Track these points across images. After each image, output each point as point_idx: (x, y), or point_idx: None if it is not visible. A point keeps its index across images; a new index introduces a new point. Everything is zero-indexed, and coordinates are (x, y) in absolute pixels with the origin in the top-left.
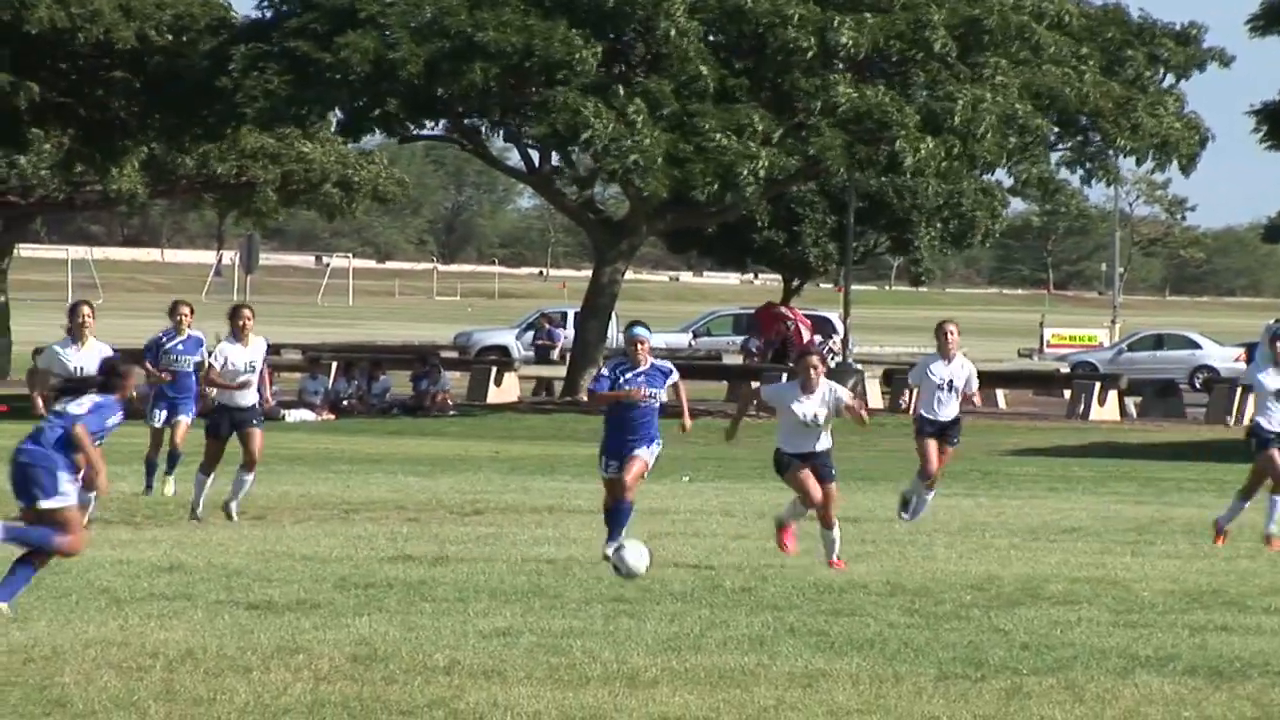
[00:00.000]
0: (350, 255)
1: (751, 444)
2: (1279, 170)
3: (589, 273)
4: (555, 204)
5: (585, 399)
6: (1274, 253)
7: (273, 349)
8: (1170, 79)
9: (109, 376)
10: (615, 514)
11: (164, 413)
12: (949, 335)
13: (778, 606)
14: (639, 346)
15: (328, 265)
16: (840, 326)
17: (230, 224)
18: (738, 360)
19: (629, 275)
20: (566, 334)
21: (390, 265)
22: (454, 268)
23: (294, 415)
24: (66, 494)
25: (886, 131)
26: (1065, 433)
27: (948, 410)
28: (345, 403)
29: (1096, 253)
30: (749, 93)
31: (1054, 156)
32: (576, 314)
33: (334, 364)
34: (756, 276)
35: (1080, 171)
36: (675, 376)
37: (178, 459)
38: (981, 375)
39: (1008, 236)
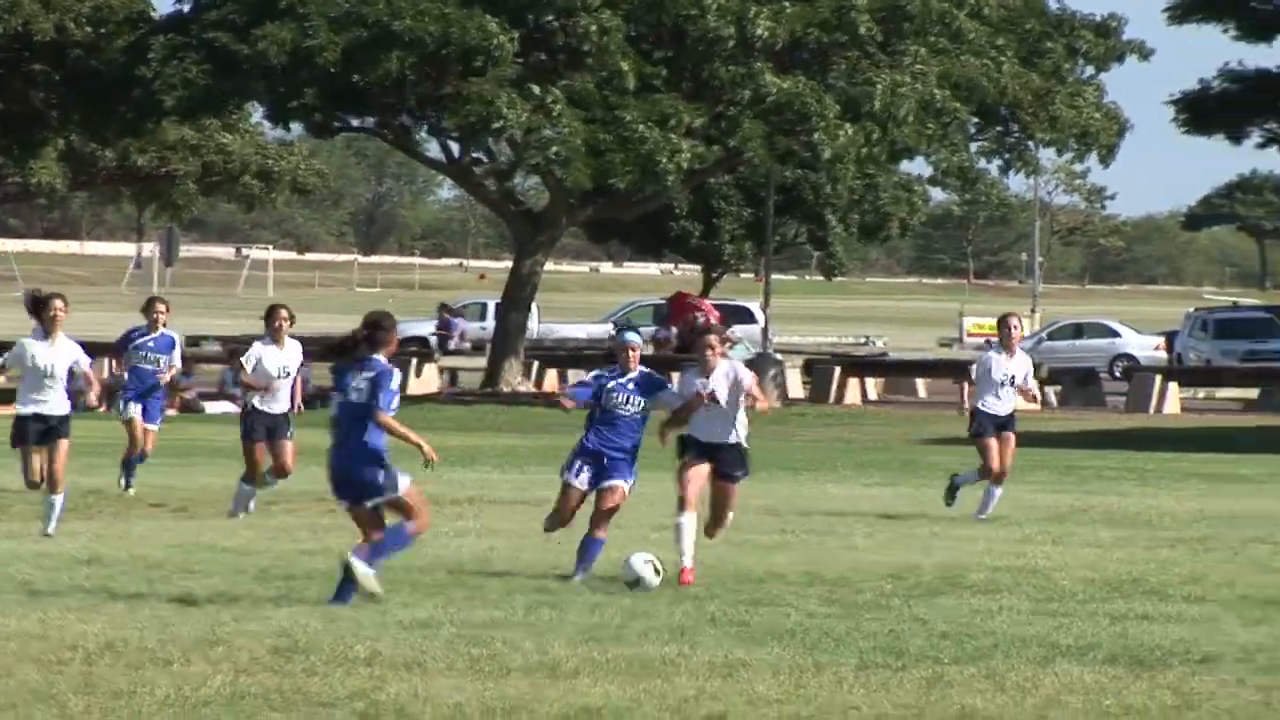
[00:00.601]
0: (270, 247)
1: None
2: (1198, 158)
3: (509, 264)
4: (475, 195)
5: (504, 390)
6: (1194, 241)
7: (192, 341)
8: (1090, 70)
9: (374, 331)
10: (588, 547)
11: (137, 405)
12: (1013, 329)
13: (698, 597)
14: (630, 353)
15: (247, 257)
16: (760, 316)
17: (150, 216)
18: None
19: (549, 266)
20: (466, 324)
21: (310, 257)
22: (374, 259)
23: (214, 407)
24: (394, 484)
25: (806, 122)
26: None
27: (1007, 405)
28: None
29: (1017, 242)
30: (669, 84)
31: (973, 147)
32: (497, 305)
33: None
34: (676, 267)
35: (999, 162)
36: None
37: (141, 461)
38: (901, 364)
39: (928, 226)
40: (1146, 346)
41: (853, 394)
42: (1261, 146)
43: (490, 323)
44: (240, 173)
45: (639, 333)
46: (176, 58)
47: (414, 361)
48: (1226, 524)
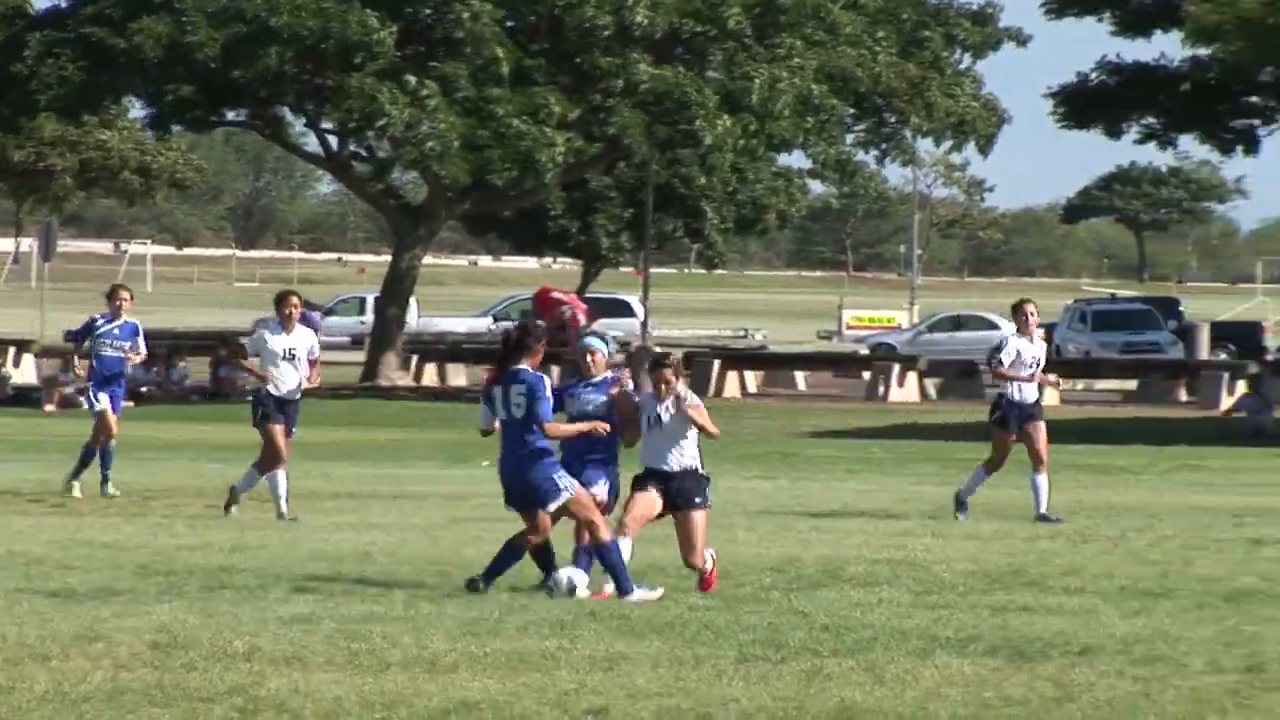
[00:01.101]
0: (149, 241)
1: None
2: (1077, 151)
3: (388, 257)
4: (354, 190)
5: (383, 385)
6: (1072, 233)
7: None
8: (968, 59)
9: (524, 338)
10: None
11: (106, 395)
12: (1029, 315)
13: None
14: (591, 358)
15: (126, 252)
16: (639, 310)
17: (27, 211)
18: None
19: (428, 260)
20: (319, 320)
21: (189, 251)
22: (253, 254)
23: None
24: (565, 488)
25: (686, 111)
26: (865, 414)
27: (1032, 392)
28: (145, 390)
29: (895, 235)
30: (546, 74)
31: (850, 138)
32: (376, 299)
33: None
34: (555, 261)
35: (876, 152)
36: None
37: (111, 457)
38: (781, 357)
39: (807, 219)
40: None
41: (732, 387)
42: (1140, 142)
43: (369, 317)
44: (119, 168)
45: (604, 339)
46: (53, 54)
47: None
48: (1105, 516)
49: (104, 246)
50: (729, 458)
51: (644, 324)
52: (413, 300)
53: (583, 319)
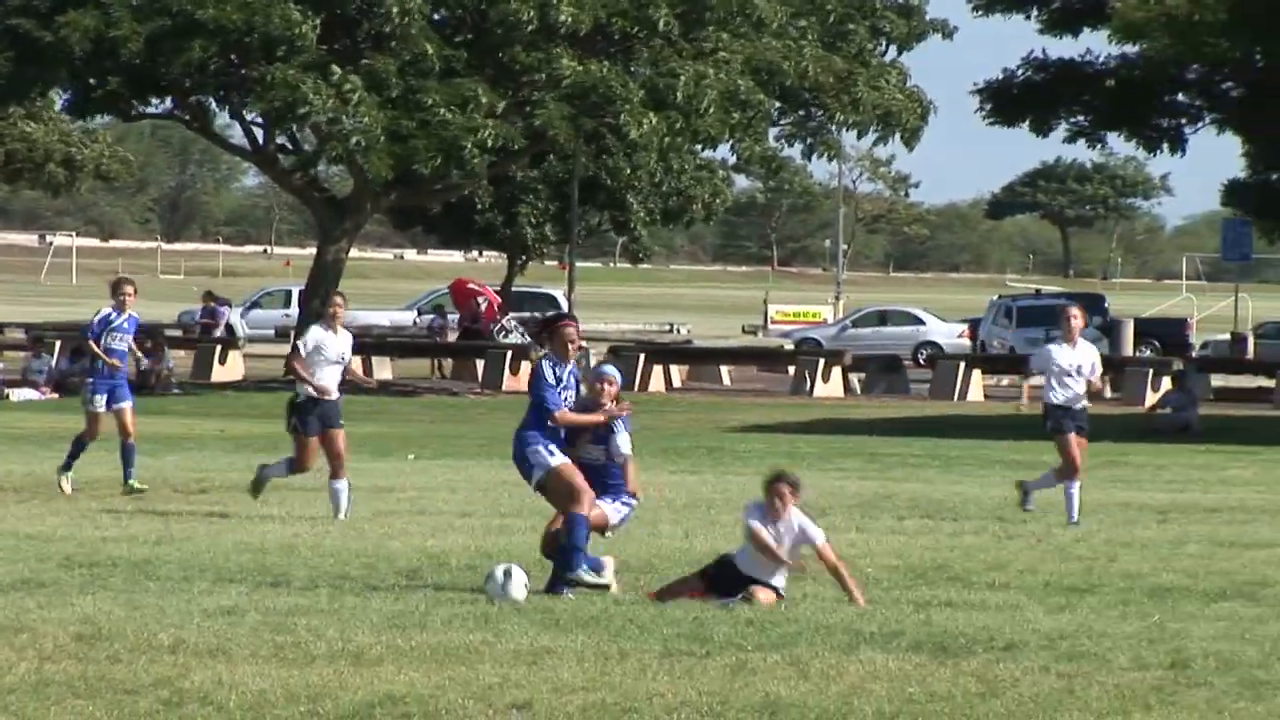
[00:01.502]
0: (74, 234)
1: (478, 420)
2: (1002, 147)
3: (314, 251)
4: (279, 182)
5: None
6: (997, 228)
7: None
8: (893, 52)
9: (539, 326)
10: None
11: (104, 397)
12: (1072, 319)
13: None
14: (606, 386)
15: (51, 244)
16: (564, 304)
17: None
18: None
19: (353, 253)
20: (229, 313)
21: (114, 244)
22: (178, 246)
23: (18, 394)
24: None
25: (611, 106)
26: (790, 409)
27: (1076, 396)
28: (69, 381)
29: (821, 229)
30: (471, 68)
31: (775, 132)
32: (301, 292)
33: (58, 343)
34: (481, 254)
35: (801, 146)
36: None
37: (133, 453)
38: (706, 352)
39: (732, 213)
40: (950, 334)
41: (657, 381)
42: (1069, 140)
43: (294, 310)
44: (44, 160)
45: (619, 370)
46: None
47: (217, 349)
48: (1030, 511)
49: (29, 239)
50: (654, 451)
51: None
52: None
53: (496, 310)
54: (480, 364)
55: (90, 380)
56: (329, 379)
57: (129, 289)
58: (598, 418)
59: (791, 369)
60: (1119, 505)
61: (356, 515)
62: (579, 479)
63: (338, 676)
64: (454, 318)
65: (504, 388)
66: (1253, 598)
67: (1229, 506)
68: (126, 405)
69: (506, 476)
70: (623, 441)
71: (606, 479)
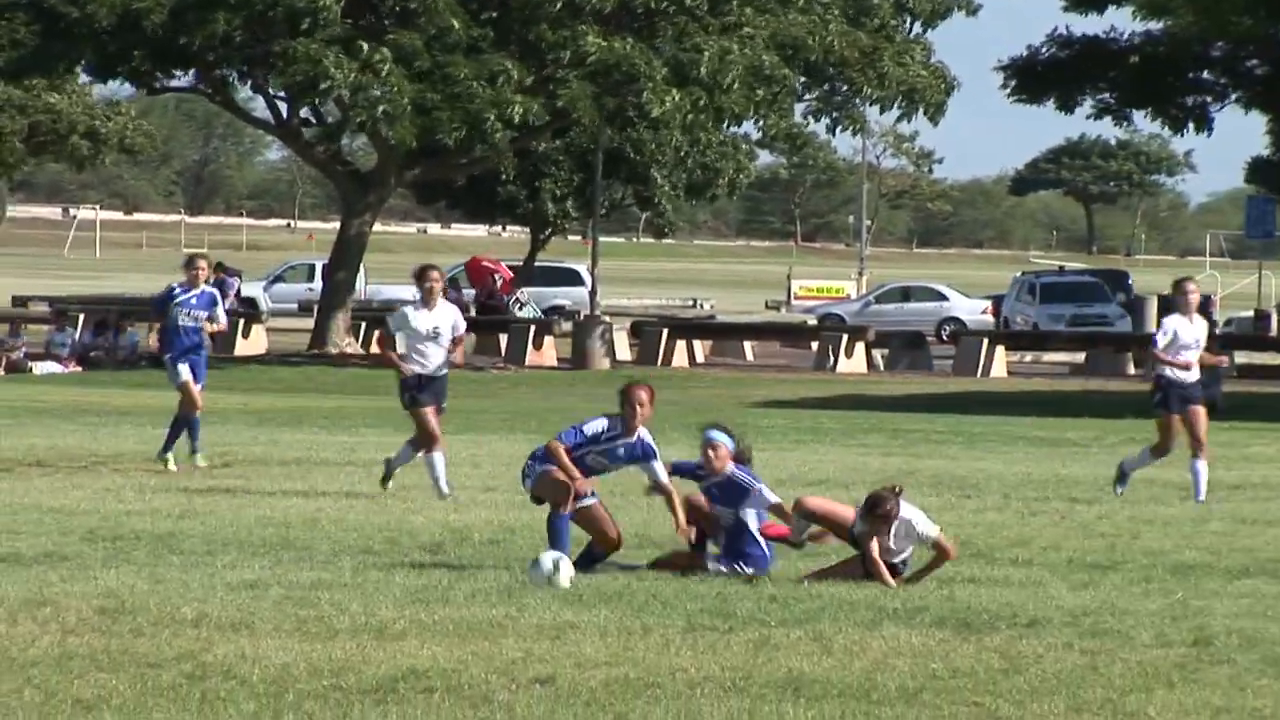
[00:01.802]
0: (97, 207)
1: (500, 394)
2: (1025, 123)
3: (337, 224)
4: (303, 156)
5: (332, 351)
6: (1020, 205)
7: (19, 301)
8: (917, 28)
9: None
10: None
11: (186, 366)
12: (1189, 294)
13: (526, 559)
14: (714, 452)
15: (75, 217)
16: (587, 278)
17: None
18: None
19: (377, 227)
20: (239, 284)
21: (138, 217)
22: (202, 219)
23: (41, 367)
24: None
25: (634, 83)
26: (813, 384)
27: (1194, 373)
28: (92, 355)
29: (844, 205)
30: (496, 45)
31: (800, 107)
32: (324, 266)
33: (81, 316)
34: (504, 229)
35: (826, 121)
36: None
37: (198, 428)
38: (729, 327)
39: (755, 189)
40: (974, 310)
41: (680, 356)
42: (1094, 117)
43: (318, 284)
44: (68, 133)
45: (729, 434)
46: (4, 18)
47: (240, 323)
48: (1054, 488)
49: (53, 212)
50: (677, 426)
51: (592, 293)
52: (361, 267)
53: (510, 285)
54: (503, 339)
55: (168, 355)
56: (430, 357)
57: (201, 264)
58: (573, 479)
59: (815, 344)
60: (1143, 482)
61: (379, 489)
62: (563, 478)
63: (360, 651)
64: (470, 294)
65: (526, 362)
66: (1275, 575)
67: (1252, 484)
68: (199, 388)
69: (527, 450)
70: (658, 469)
71: (737, 543)
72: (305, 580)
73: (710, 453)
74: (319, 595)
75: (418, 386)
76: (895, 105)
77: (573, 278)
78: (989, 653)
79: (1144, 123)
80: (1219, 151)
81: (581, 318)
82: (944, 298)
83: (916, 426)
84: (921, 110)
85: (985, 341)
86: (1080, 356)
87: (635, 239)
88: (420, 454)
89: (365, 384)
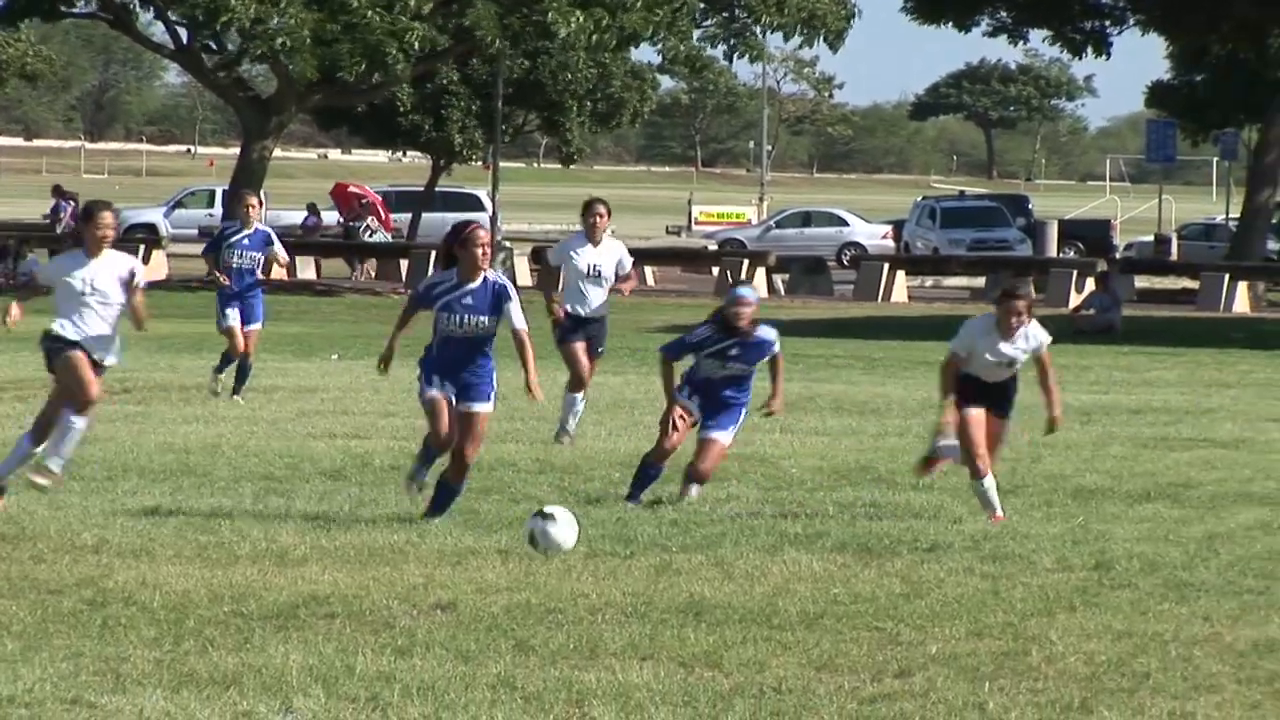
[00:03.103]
0: None
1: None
2: (926, 48)
3: (237, 150)
4: (203, 82)
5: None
6: (921, 130)
7: None
8: None
9: None
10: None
11: (235, 311)
12: None
13: (426, 484)
14: (741, 309)
15: None
16: (488, 204)
17: None
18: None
19: (277, 153)
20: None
21: (37, 143)
22: (101, 145)
23: None
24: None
25: (539, 4)
26: (713, 309)
27: None
28: None
29: (745, 130)
30: None
31: (699, 33)
32: (224, 192)
33: None
34: (405, 154)
35: (725, 47)
36: (777, 348)
37: (248, 372)
38: (630, 252)
39: (657, 114)
40: (874, 235)
41: None
42: (990, 35)
43: (219, 210)
44: None
45: (754, 289)
46: None
47: (141, 248)
48: None
49: None
50: None
51: (493, 218)
52: (262, 193)
53: (381, 211)
54: (404, 264)
55: (219, 296)
56: (588, 293)
57: (252, 200)
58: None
59: (715, 270)
60: (1041, 406)
61: (279, 414)
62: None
63: (262, 577)
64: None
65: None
66: (1176, 499)
67: (1153, 408)
68: (256, 327)
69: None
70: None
71: (732, 391)
72: (205, 507)
73: (742, 309)
74: (219, 522)
75: (574, 325)
76: (796, 32)
77: (474, 203)
78: (890, 578)
79: (1043, 46)
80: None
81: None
82: (844, 223)
83: (817, 351)
84: (821, 37)
85: (886, 266)
86: (981, 281)
87: (537, 164)
88: (579, 395)
89: (265, 309)
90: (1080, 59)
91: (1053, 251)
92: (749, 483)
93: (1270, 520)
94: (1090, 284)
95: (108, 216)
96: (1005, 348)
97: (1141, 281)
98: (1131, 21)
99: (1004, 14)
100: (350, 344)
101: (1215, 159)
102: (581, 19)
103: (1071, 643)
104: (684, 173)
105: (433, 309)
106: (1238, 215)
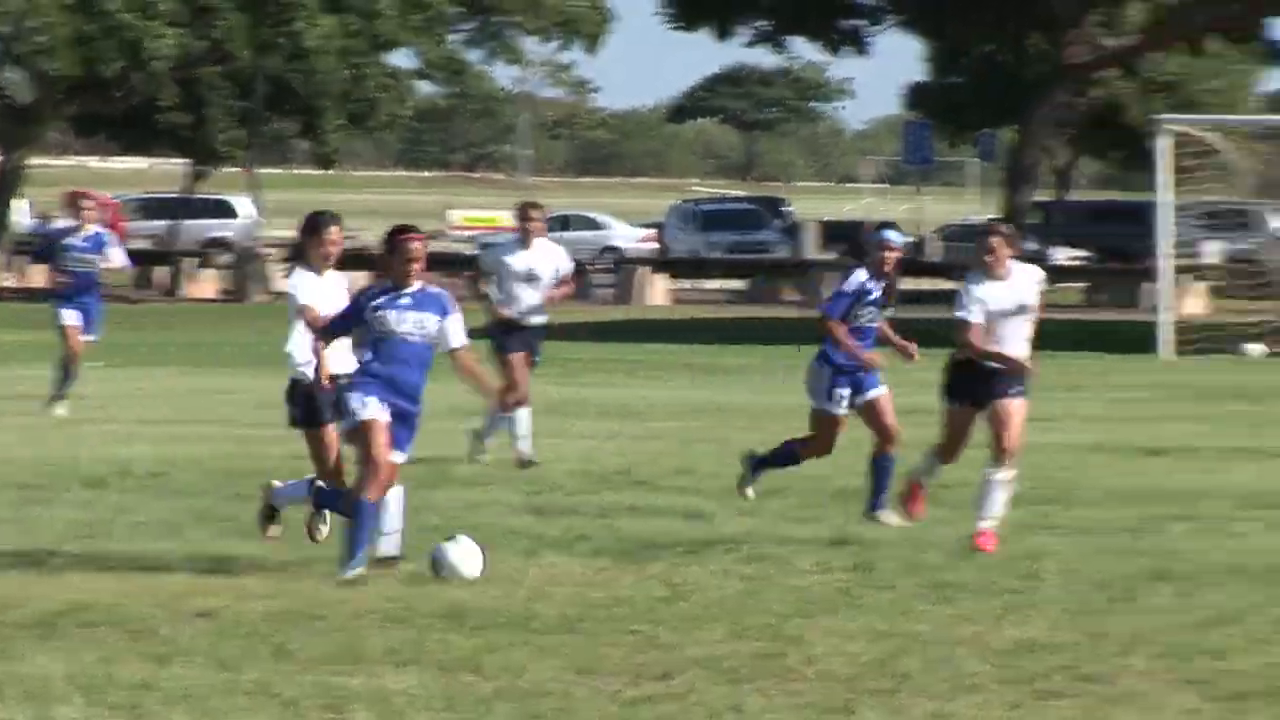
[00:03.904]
0: None
1: (156, 328)
2: (684, 52)
3: None
4: None
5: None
6: (679, 134)
7: None
8: None
9: None
10: (881, 470)
11: (71, 311)
12: None
13: (188, 493)
14: (892, 254)
15: None
16: (241, 211)
17: None
18: None
19: (35, 161)
20: None
21: None
22: None
23: None
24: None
25: (288, 13)
26: (471, 314)
27: None
28: None
29: (503, 135)
30: None
31: (457, 37)
32: None
33: None
34: (165, 160)
35: (483, 52)
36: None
37: (74, 379)
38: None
39: (415, 119)
40: (633, 238)
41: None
42: (751, 44)
43: None
44: None
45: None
46: None
47: None
48: (715, 415)
49: None
50: None
51: (252, 225)
52: (25, 202)
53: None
54: (165, 271)
55: (53, 298)
56: (522, 297)
57: (87, 204)
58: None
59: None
60: (803, 408)
61: (39, 422)
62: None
63: (23, 586)
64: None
65: (185, 295)
66: (937, 499)
67: (915, 409)
68: (89, 339)
69: (193, 384)
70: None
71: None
72: None
73: (889, 254)
74: None
75: (509, 333)
76: (552, 36)
77: (228, 210)
78: (650, 581)
79: (803, 49)
80: (878, 78)
81: (238, 249)
82: (604, 226)
83: (577, 355)
84: (578, 41)
85: (646, 269)
86: (740, 283)
87: (295, 170)
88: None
89: (25, 318)
90: (837, 57)
91: (812, 253)
92: (511, 488)
93: (1031, 521)
94: None
95: None
96: (1004, 289)
97: (906, 283)
98: (889, 22)
99: (763, 22)
100: (115, 353)
101: (975, 159)
102: (332, 24)
103: (832, 644)
104: (442, 177)
105: (365, 319)
106: (998, 216)
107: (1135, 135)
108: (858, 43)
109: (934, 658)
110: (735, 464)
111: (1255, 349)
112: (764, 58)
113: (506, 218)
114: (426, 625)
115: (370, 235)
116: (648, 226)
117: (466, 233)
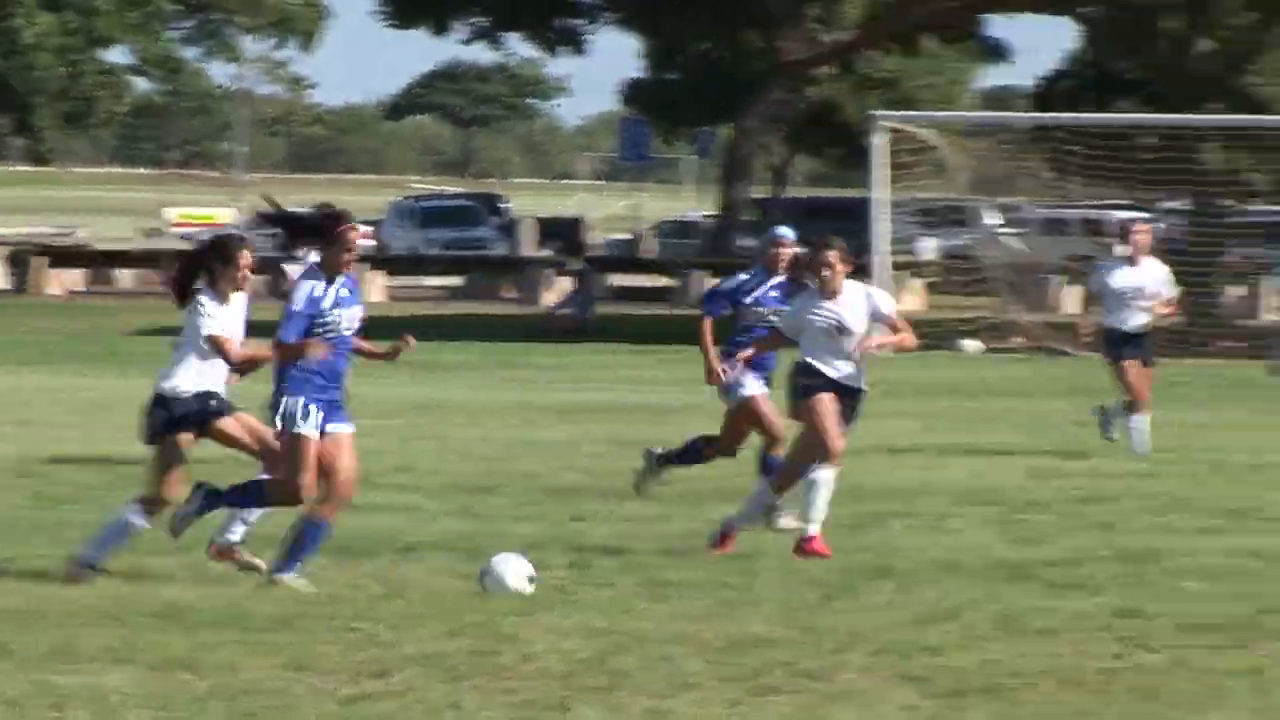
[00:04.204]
0: None
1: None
2: (400, 50)
3: None
4: None
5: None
6: (397, 131)
7: None
8: None
9: None
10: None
11: None
12: (1135, 235)
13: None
14: (780, 251)
15: None
16: None
17: None
18: None
19: None
20: None
21: None
22: None
23: None
24: None
25: (6, 9)
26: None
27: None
28: None
29: (219, 132)
30: None
31: (176, 34)
32: None
33: None
34: None
35: (200, 49)
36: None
37: None
38: (104, 255)
39: (132, 116)
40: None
41: (56, 285)
42: (468, 41)
43: None
44: None
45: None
46: None
47: None
48: (433, 412)
49: None
50: (57, 357)
51: None
52: None
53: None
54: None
55: None
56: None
57: None
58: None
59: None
60: (519, 405)
61: None
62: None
63: None
64: None
65: None
66: (655, 496)
67: (628, 406)
68: None
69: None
70: None
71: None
72: None
73: (781, 250)
74: None
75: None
76: (268, 33)
77: None
78: (367, 578)
79: (521, 46)
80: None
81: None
82: None
83: None
84: (294, 38)
85: (367, 266)
86: (458, 280)
87: (9, 166)
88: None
89: None
90: (554, 54)
91: (529, 250)
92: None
93: None
94: (567, 282)
95: None
96: (829, 307)
97: (620, 279)
98: (606, 20)
99: (480, 19)
100: None
101: (692, 156)
102: (49, 22)
103: (550, 641)
104: (158, 175)
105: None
106: (715, 213)
107: (852, 133)
108: (574, 42)
109: (652, 655)
110: (454, 461)
111: (972, 345)
112: (481, 54)
113: (223, 215)
114: (142, 624)
115: (85, 232)
116: (365, 224)
117: (185, 229)
